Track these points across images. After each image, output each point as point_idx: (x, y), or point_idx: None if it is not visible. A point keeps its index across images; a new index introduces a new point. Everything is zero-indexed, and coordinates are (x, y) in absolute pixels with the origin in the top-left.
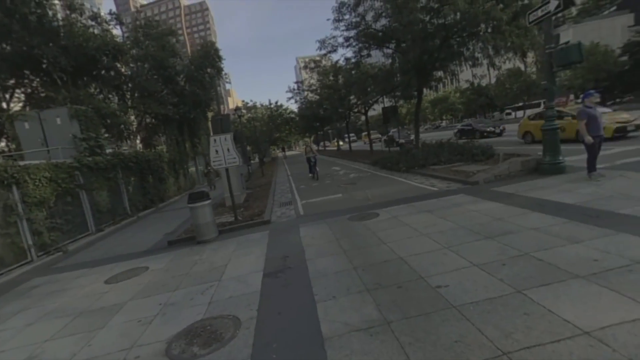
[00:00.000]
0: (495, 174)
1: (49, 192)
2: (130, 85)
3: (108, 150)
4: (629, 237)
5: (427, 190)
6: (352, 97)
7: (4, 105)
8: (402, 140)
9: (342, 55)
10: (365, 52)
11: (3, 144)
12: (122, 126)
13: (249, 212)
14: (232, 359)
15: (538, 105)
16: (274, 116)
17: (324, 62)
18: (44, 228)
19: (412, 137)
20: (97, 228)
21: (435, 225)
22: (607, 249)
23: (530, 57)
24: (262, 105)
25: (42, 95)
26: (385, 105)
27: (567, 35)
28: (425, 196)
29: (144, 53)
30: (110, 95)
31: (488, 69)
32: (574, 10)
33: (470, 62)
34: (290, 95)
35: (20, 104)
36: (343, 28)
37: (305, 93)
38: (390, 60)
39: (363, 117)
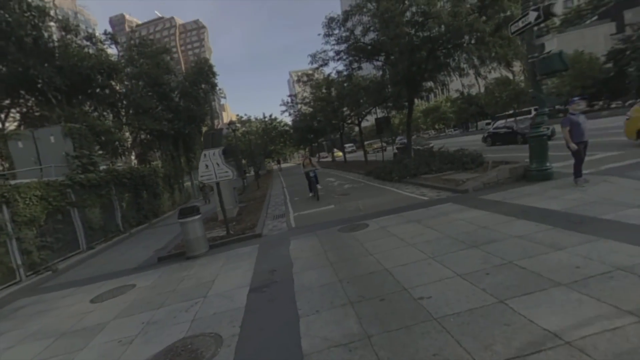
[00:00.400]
0: (484, 181)
1: (40, 210)
2: (124, 102)
3: (102, 167)
4: (610, 243)
5: (417, 199)
6: (345, 109)
7: None
8: (419, 147)
9: (333, 68)
10: (355, 65)
11: None
12: (117, 143)
13: (241, 225)
14: None
15: (528, 112)
16: (269, 129)
17: (316, 76)
18: (34, 247)
19: (431, 143)
20: (88, 246)
21: (422, 235)
22: (589, 256)
23: (517, 66)
24: (256, 119)
25: (37, 114)
26: (378, 116)
27: (552, 44)
28: (415, 206)
29: (138, 71)
30: (105, 113)
31: (476, 79)
32: (557, 21)
33: (457, 73)
34: (284, 108)
35: (16, 123)
36: (333, 42)
37: (299, 106)
38: (380, 72)
39: (357, 128)
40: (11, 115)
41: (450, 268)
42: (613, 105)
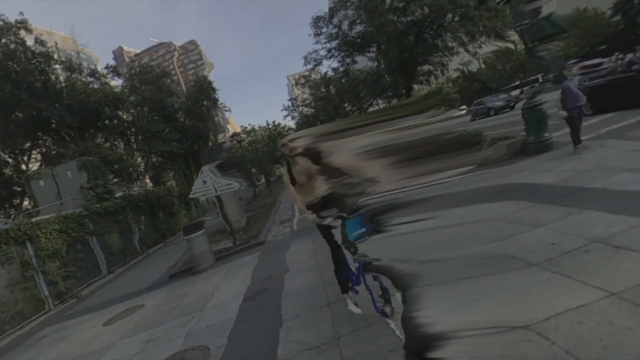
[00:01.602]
0: (479, 161)
1: (60, 242)
2: (133, 129)
3: (118, 194)
4: (591, 214)
5: None
6: (346, 105)
7: (24, 166)
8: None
9: (328, 66)
10: (349, 60)
11: (27, 202)
12: (131, 169)
13: (247, 234)
14: None
15: (536, 81)
16: (273, 135)
17: (313, 76)
18: (59, 277)
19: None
20: (109, 270)
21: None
22: (567, 230)
23: (516, 35)
24: (260, 127)
25: (54, 152)
26: (380, 108)
27: (552, 5)
28: None
29: (141, 97)
30: (116, 142)
31: (473, 55)
32: None
33: (447, 52)
34: (286, 113)
35: (38, 164)
36: (324, 41)
37: (301, 108)
38: (375, 63)
39: None
40: (33, 156)
41: None
42: (627, 59)
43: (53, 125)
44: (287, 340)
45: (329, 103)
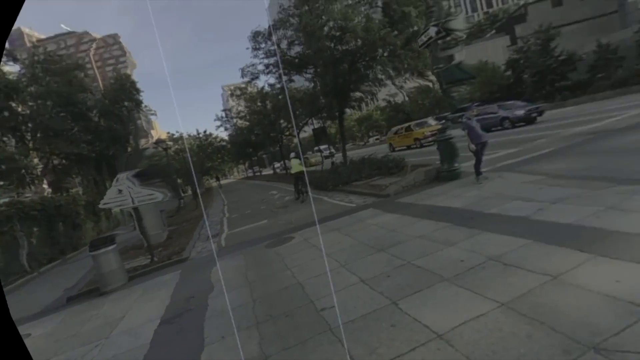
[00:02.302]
0: (403, 185)
1: None
2: (30, 125)
3: (2, 200)
4: (488, 236)
5: (344, 207)
6: (282, 121)
7: None
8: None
9: (265, 81)
10: (286, 78)
11: None
12: (23, 171)
13: (168, 250)
14: None
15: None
16: (204, 145)
17: (249, 89)
18: None
19: None
20: None
21: (340, 243)
22: (472, 249)
23: (432, 74)
24: (190, 135)
25: None
26: (315, 127)
27: (462, 55)
28: (340, 214)
29: (45, 90)
30: (5, 139)
31: (397, 88)
32: (463, 35)
33: (377, 83)
34: (219, 123)
35: None
36: (262, 56)
37: (235, 120)
38: (312, 84)
39: (295, 139)
40: None
41: (357, 274)
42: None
43: None
44: None
45: (265, 118)
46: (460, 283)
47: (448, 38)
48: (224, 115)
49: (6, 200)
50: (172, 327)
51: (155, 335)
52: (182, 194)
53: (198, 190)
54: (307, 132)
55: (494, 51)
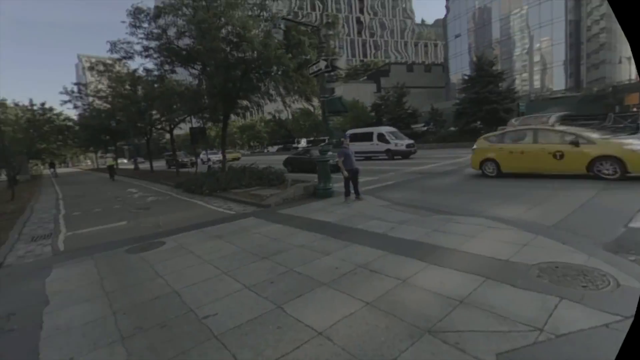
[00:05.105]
0: (283, 197)
1: None
2: None
3: None
4: (357, 247)
5: (224, 214)
6: (154, 112)
7: None
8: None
9: (140, 64)
10: (168, 67)
11: None
12: None
13: None
14: None
15: (324, 140)
16: (39, 121)
17: (117, 68)
18: None
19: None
20: None
21: (221, 250)
22: (344, 258)
23: (316, 101)
24: (17, 104)
25: None
26: (193, 126)
27: (340, 90)
28: (220, 220)
29: None
30: None
31: (284, 105)
32: (342, 73)
33: (266, 97)
34: (67, 98)
35: None
36: (142, 36)
37: (91, 99)
38: (197, 81)
39: (168, 135)
40: None
41: (240, 281)
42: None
43: None
44: None
45: (133, 104)
46: (335, 287)
47: (333, 73)
48: (75, 89)
49: None
50: None
51: None
52: None
53: (18, 178)
54: (184, 129)
55: (364, 93)
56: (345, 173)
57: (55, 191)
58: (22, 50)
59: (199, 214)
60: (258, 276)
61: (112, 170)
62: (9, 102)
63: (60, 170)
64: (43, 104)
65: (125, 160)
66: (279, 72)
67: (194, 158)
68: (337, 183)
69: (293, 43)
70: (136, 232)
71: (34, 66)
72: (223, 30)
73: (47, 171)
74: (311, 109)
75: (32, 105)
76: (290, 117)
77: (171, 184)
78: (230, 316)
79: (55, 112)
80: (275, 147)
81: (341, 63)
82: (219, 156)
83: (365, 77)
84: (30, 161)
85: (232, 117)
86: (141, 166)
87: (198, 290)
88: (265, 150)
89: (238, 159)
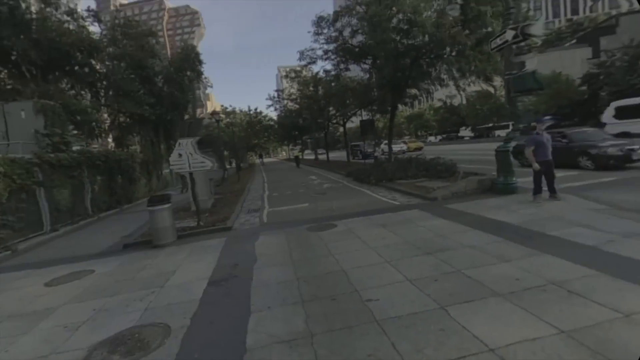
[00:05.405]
0: (453, 191)
1: (2, 187)
2: (104, 82)
3: (75, 148)
4: (549, 258)
5: (388, 204)
6: (331, 109)
7: None
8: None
9: (321, 67)
10: (343, 66)
11: None
12: (94, 124)
13: (213, 217)
14: None
15: (507, 126)
16: (253, 122)
17: (304, 73)
18: None
19: None
20: (52, 227)
21: (384, 239)
22: (529, 269)
23: (499, 81)
24: (241, 111)
25: (9, 87)
26: (363, 118)
27: (533, 62)
28: (384, 210)
29: (121, 52)
30: (82, 92)
31: (458, 90)
32: (538, 41)
33: (437, 83)
34: (270, 102)
35: None
36: (322, 41)
37: (285, 102)
38: (367, 75)
39: (341, 128)
40: None
41: (402, 272)
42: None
43: (13, 57)
44: (256, 330)
45: (315, 103)
46: (515, 301)
47: (523, 44)
48: (276, 95)
49: (78, 148)
50: (220, 289)
51: (205, 294)
52: (226, 167)
53: (242, 165)
54: (354, 122)
55: (571, 62)
56: (536, 165)
57: (262, 176)
58: (240, 68)
59: (365, 202)
60: (420, 271)
61: (298, 160)
62: (237, 109)
63: (265, 160)
64: (256, 109)
65: (308, 151)
66: (453, 53)
67: (376, 148)
68: (522, 177)
69: (471, 17)
70: (315, 213)
71: (248, 80)
72: (393, 20)
73: (257, 161)
74: (491, 90)
75: (249, 110)
76: (464, 102)
77: (343, 172)
78: (391, 305)
79: (263, 114)
80: (438, 137)
81: (537, 29)
82: (401, 146)
83: (574, 41)
84: (248, 152)
85: (400, 107)
86: (320, 157)
87: (362, 274)
88: (457, 138)
89: (421, 148)
